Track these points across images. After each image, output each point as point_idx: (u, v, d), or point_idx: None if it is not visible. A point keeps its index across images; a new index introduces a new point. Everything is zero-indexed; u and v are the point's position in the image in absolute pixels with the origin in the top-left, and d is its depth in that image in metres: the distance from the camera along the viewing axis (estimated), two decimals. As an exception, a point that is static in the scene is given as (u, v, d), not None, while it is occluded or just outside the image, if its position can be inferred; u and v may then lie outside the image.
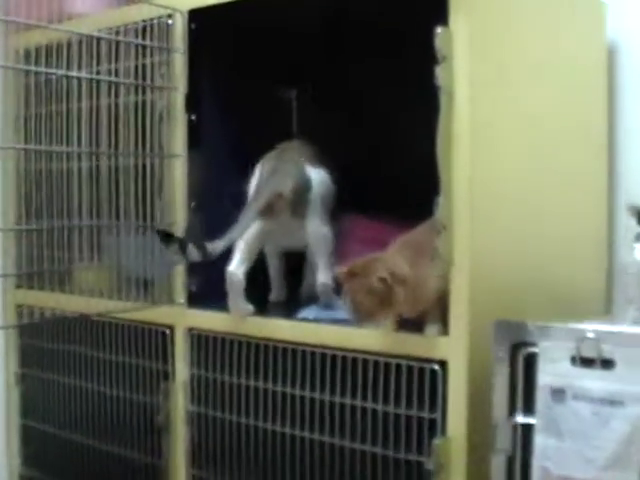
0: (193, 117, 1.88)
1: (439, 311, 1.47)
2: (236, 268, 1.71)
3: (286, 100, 2.20)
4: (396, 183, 1.97)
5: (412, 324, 1.50)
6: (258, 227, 1.73)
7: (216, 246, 1.60)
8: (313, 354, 1.61)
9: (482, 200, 1.47)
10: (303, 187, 1.75)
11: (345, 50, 2.05)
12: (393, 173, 2.02)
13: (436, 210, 1.43)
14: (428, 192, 1.45)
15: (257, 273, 1.82)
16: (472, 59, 1.42)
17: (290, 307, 1.81)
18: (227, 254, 1.70)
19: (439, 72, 1.42)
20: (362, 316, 1.44)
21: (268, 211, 1.71)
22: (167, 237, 1.60)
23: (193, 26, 1.86)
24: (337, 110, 2.18)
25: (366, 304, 1.42)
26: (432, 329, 1.48)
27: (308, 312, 1.73)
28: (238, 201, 1.76)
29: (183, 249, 1.57)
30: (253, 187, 1.76)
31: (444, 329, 1.46)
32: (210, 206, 1.90)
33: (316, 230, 1.77)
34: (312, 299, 1.81)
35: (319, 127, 2.11)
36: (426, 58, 1.43)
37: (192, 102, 1.88)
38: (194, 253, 1.57)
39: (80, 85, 2.00)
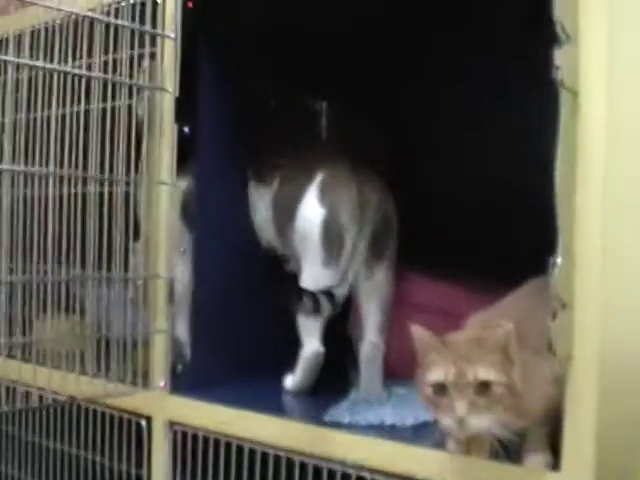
0: (186, 129, 1.40)
1: (548, 432, 1.05)
2: (320, 344, 1.46)
3: (313, 113, 1.73)
4: (458, 229, 1.66)
5: (504, 448, 1.02)
6: (328, 275, 1.44)
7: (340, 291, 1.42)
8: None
9: (624, 264, 0.99)
10: (385, 226, 1.45)
11: (392, 55, 1.72)
12: (456, 214, 1.70)
13: (551, 277, 0.94)
14: (506, 242, 1.34)
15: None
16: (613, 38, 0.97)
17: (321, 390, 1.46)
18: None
19: (558, 59, 0.93)
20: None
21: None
22: (295, 292, 1.40)
23: (190, 4, 1.44)
24: (380, 129, 1.71)
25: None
26: (536, 459, 1.04)
27: (341, 411, 1.33)
28: (244, 240, 1.52)
29: (317, 304, 1.37)
30: (309, 222, 1.46)
31: (554, 460, 1.01)
32: (208, 248, 1.52)
33: (383, 277, 1.44)
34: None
35: (355, 150, 1.63)
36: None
37: (185, 109, 1.44)
38: (326, 306, 1.39)
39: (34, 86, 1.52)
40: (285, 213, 1.50)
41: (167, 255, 1.41)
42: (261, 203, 1.57)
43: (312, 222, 1.43)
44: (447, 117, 1.71)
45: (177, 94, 1.40)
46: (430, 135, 1.75)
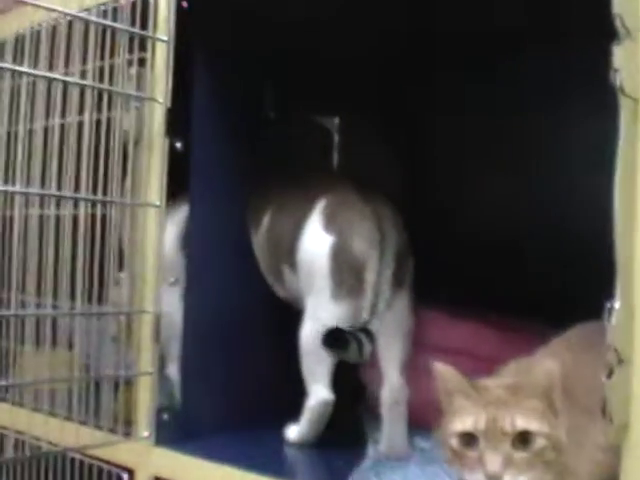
0: (178, 144, 1.24)
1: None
2: (329, 391, 1.30)
3: (324, 131, 1.57)
4: (482, 262, 1.55)
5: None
6: (342, 311, 1.26)
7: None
8: None
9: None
10: (405, 255, 1.29)
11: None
12: (480, 246, 1.58)
13: (606, 324, 0.78)
14: (540, 278, 1.30)
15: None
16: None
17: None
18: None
19: (618, 60, 0.77)
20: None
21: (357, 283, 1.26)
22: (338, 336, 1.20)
23: (184, 4, 1.28)
24: (396, 149, 1.57)
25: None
26: None
27: (365, 475, 1.16)
28: (244, 269, 1.38)
29: (360, 346, 1.19)
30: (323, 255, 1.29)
31: None
32: (202, 278, 1.37)
33: (404, 308, 1.29)
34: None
35: (370, 170, 1.49)
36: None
37: (177, 121, 1.29)
38: (368, 347, 1.20)
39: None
40: (281, 251, 1.35)
41: (155, 286, 1.25)
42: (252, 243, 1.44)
43: (318, 252, 1.27)
44: (474, 143, 1.56)
45: (169, 105, 1.25)
46: (454, 162, 1.61)
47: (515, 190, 1.55)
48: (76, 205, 1.26)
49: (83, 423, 1.30)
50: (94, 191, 1.23)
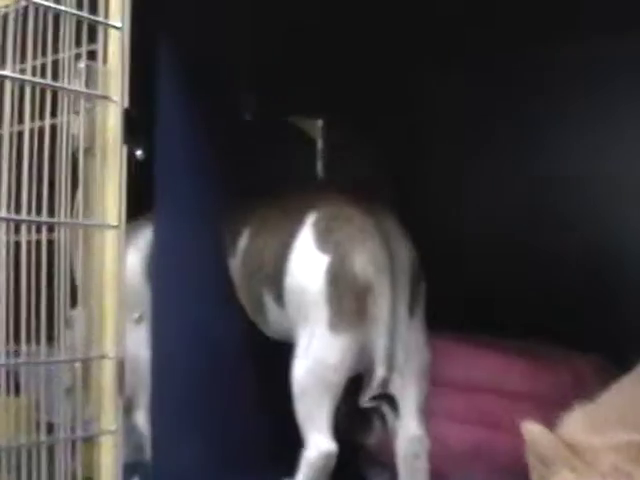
0: (139, 152, 1.04)
1: None
2: (331, 441, 1.08)
3: (306, 135, 1.39)
4: (500, 280, 1.41)
5: None
6: (342, 344, 1.07)
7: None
8: None
9: None
10: (418, 278, 1.11)
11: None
12: (494, 261, 1.44)
13: None
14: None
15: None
16: None
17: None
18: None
19: None
20: None
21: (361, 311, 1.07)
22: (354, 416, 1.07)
23: None
24: (390, 153, 1.40)
25: None
26: None
27: None
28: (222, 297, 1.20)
29: (395, 408, 1.06)
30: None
31: None
32: (173, 312, 1.18)
33: (420, 338, 1.11)
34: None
35: (360, 177, 1.31)
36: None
37: (138, 125, 1.09)
38: (392, 418, 1.08)
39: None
40: (263, 277, 1.18)
41: (116, 325, 1.04)
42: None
43: (311, 275, 1.08)
44: (474, 149, 1.40)
45: (126, 104, 1.05)
46: (453, 169, 1.44)
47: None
48: (17, 229, 1.05)
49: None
50: (38, 212, 1.03)
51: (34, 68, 1.07)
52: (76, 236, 1.06)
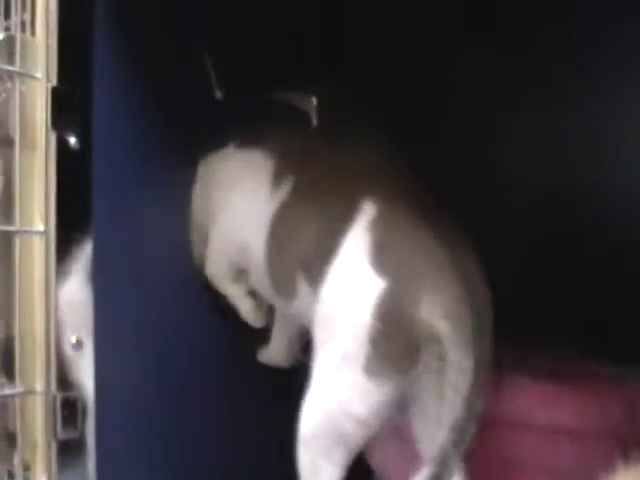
0: (72, 139, 0.88)
1: None
2: None
3: (297, 112, 1.23)
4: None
5: None
6: (376, 392, 0.87)
7: None
8: None
9: None
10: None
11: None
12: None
13: None
14: None
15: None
16: None
17: None
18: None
19: None
20: None
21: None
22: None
23: None
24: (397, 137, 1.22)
25: None
26: None
27: None
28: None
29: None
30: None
31: None
32: (119, 336, 0.99)
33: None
34: None
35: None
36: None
37: (69, 107, 0.92)
38: None
39: None
40: (297, 258, 0.97)
41: (46, 353, 0.89)
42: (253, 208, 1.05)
43: (357, 297, 0.88)
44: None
45: (54, 82, 0.89)
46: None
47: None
48: None
49: None
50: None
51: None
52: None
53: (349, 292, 0.89)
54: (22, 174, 0.89)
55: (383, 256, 0.87)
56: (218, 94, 1.09)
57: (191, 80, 1.05)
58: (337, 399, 0.87)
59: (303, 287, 0.96)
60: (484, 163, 1.30)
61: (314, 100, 1.24)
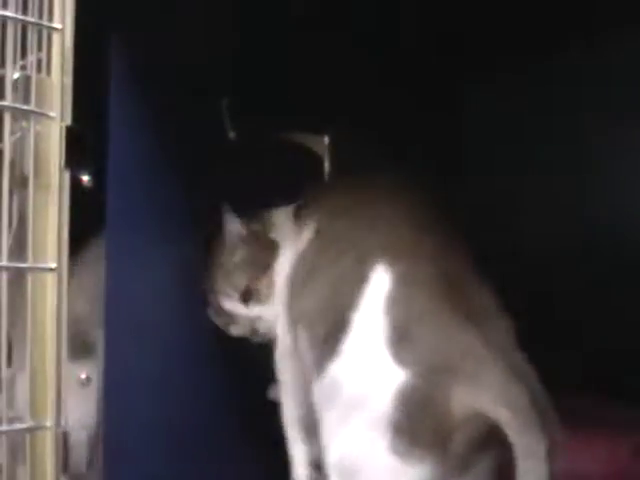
0: (85, 177, 0.90)
1: None
2: None
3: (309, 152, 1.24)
4: None
5: None
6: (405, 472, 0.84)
7: None
8: None
9: None
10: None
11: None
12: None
13: None
14: None
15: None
16: None
17: None
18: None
19: None
20: None
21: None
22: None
23: None
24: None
25: None
26: None
27: None
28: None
29: None
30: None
31: None
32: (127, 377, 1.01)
33: None
34: None
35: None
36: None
37: (83, 145, 0.92)
38: None
39: None
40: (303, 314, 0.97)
41: (57, 388, 0.90)
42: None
43: (373, 381, 0.85)
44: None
45: (69, 122, 0.90)
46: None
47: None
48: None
49: None
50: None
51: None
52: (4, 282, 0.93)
53: (366, 376, 0.85)
54: (36, 212, 0.91)
55: (404, 344, 0.83)
56: (231, 135, 1.11)
57: (205, 121, 1.08)
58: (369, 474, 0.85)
59: (303, 341, 0.96)
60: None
61: (326, 140, 1.26)
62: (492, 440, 0.78)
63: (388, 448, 0.81)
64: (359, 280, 0.87)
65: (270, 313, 1.06)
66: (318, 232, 0.99)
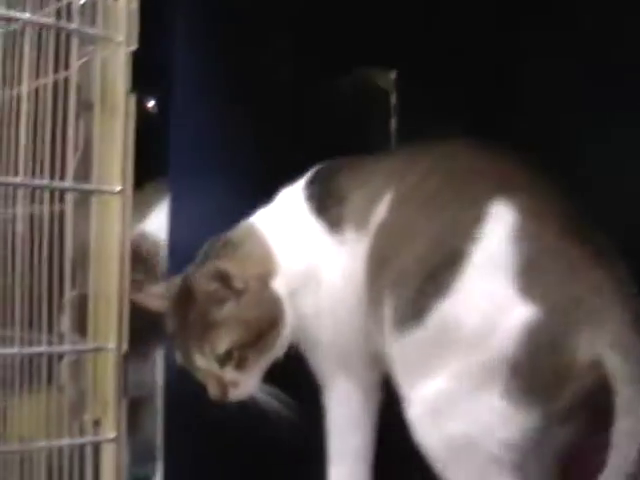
0: (151, 102, 0.91)
1: None
2: None
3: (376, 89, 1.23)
4: None
5: None
6: (517, 418, 0.81)
7: None
8: None
9: None
10: None
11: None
12: None
13: None
14: None
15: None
16: None
17: None
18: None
19: None
20: None
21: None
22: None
23: None
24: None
25: None
26: None
27: None
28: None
29: None
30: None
31: None
32: None
33: None
34: None
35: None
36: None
37: (149, 70, 0.94)
38: None
39: None
40: (390, 277, 0.90)
41: (120, 311, 0.91)
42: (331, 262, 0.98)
43: (494, 320, 0.81)
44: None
45: (135, 46, 0.91)
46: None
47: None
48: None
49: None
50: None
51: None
52: (69, 205, 0.94)
53: (485, 315, 0.81)
54: (101, 136, 0.93)
55: (531, 277, 0.79)
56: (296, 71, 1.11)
57: (271, 56, 1.08)
58: (474, 421, 0.81)
59: (388, 307, 0.89)
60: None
61: (393, 75, 1.24)
62: (598, 393, 0.76)
63: (501, 392, 0.79)
64: (475, 219, 0.83)
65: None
66: (398, 200, 0.91)
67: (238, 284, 0.94)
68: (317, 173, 0.99)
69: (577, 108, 1.10)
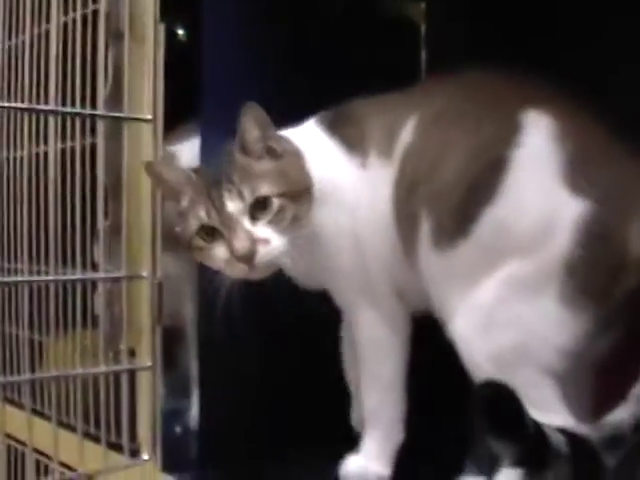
0: (180, 31, 0.91)
1: None
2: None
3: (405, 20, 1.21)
4: None
5: None
6: (583, 325, 0.79)
7: None
8: None
9: None
10: None
11: None
12: None
13: None
14: None
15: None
16: None
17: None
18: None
19: None
20: None
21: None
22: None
23: None
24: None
25: None
26: None
27: None
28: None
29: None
30: None
31: None
32: None
33: None
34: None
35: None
36: None
37: (180, 1, 0.94)
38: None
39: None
40: (426, 195, 0.86)
41: (153, 241, 0.92)
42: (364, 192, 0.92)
43: (545, 217, 0.79)
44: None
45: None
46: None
47: None
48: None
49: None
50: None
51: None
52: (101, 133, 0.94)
53: (538, 214, 0.79)
54: (131, 65, 0.93)
55: (580, 172, 0.78)
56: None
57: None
58: (530, 330, 0.79)
59: (425, 237, 0.86)
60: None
61: (423, 5, 1.21)
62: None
63: (556, 295, 0.77)
64: (513, 128, 0.81)
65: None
66: (424, 125, 0.88)
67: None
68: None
69: (613, 38, 1.08)
